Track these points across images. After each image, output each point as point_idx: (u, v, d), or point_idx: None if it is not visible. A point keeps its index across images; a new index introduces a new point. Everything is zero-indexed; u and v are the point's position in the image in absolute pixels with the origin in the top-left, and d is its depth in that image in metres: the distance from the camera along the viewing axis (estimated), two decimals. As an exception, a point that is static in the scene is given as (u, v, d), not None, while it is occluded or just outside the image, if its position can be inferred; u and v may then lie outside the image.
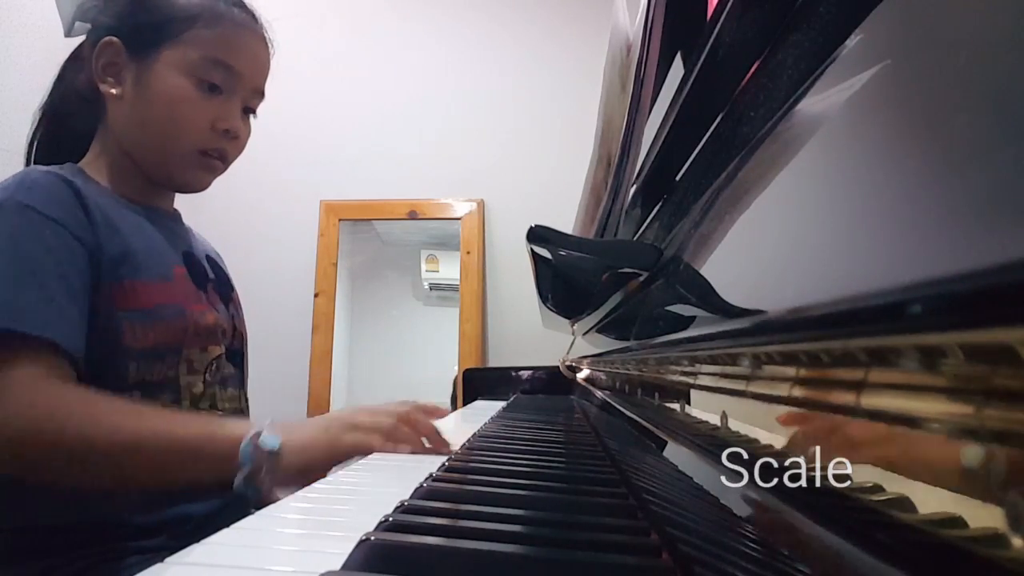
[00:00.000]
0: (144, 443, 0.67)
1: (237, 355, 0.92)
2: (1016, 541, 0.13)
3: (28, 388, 0.66)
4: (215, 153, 0.87)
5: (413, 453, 0.68)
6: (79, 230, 0.74)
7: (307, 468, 0.66)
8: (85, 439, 0.66)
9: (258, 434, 0.66)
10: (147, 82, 0.83)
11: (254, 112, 0.92)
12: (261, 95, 0.91)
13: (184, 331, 0.81)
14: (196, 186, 0.89)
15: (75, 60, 0.90)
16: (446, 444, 0.72)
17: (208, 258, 0.95)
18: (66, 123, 0.90)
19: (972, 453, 0.15)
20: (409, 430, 0.70)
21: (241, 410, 0.91)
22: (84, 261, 0.74)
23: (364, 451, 0.67)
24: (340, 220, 2.13)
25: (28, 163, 0.89)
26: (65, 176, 0.78)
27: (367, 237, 2.23)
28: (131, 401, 0.75)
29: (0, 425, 0.64)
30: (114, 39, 0.84)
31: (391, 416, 0.71)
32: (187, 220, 1.00)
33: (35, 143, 0.91)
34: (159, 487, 0.74)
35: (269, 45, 0.91)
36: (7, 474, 0.69)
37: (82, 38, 0.89)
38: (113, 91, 0.84)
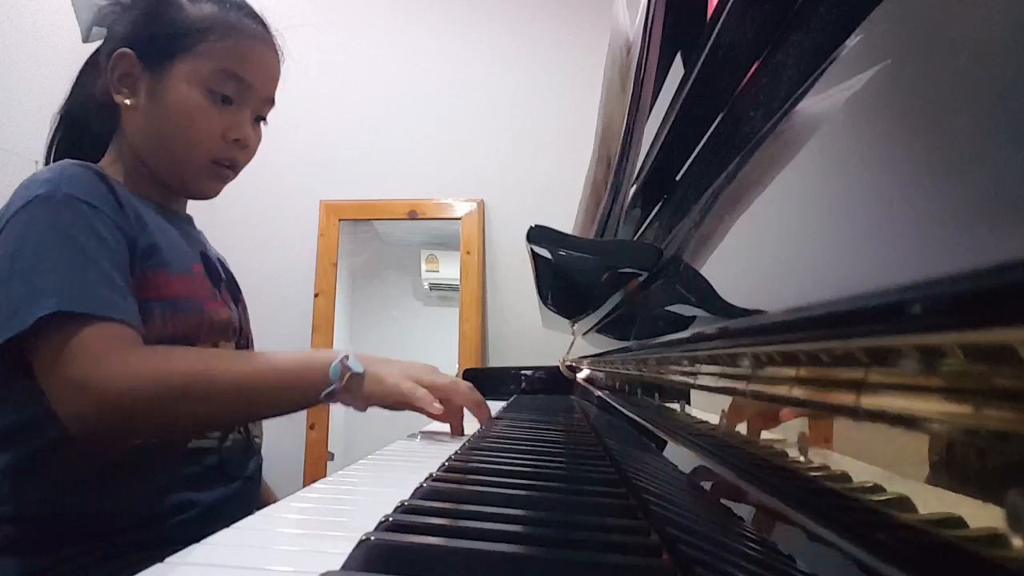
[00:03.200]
0: (253, 379, 0.76)
1: None
2: (1016, 541, 0.13)
3: (113, 354, 0.70)
4: (226, 162, 0.89)
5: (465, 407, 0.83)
6: (120, 221, 0.77)
7: (375, 397, 0.78)
8: (190, 386, 0.72)
9: (346, 357, 0.77)
10: (160, 94, 0.85)
11: (264, 119, 0.93)
12: (271, 103, 0.93)
13: (200, 325, 0.83)
14: (208, 194, 0.92)
15: (92, 67, 0.91)
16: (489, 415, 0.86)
17: (218, 260, 0.98)
18: (84, 127, 0.91)
19: (972, 453, 0.15)
20: (466, 393, 0.83)
21: None
22: (127, 251, 0.77)
23: (412, 405, 0.79)
24: (340, 220, 2.13)
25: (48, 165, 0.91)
26: (97, 170, 0.80)
27: (367, 237, 2.23)
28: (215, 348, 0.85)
29: (105, 385, 0.69)
30: (128, 50, 0.85)
31: (451, 379, 0.84)
32: (188, 220, 1.00)
33: (54, 146, 0.93)
34: (261, 416, 0.87)
35: (279, 54, 0.93)
36: (127, 430, 0.73)
37: (96, 43, 0.90)
38: (127, 101, 0.86)
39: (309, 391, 0.77)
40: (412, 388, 0.78)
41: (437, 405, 0.79)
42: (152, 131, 0.86)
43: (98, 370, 0.69)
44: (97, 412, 0.69)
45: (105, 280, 0.73)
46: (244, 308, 0.98)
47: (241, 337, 0.93)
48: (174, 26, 0.85)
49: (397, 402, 0.78)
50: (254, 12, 0.90)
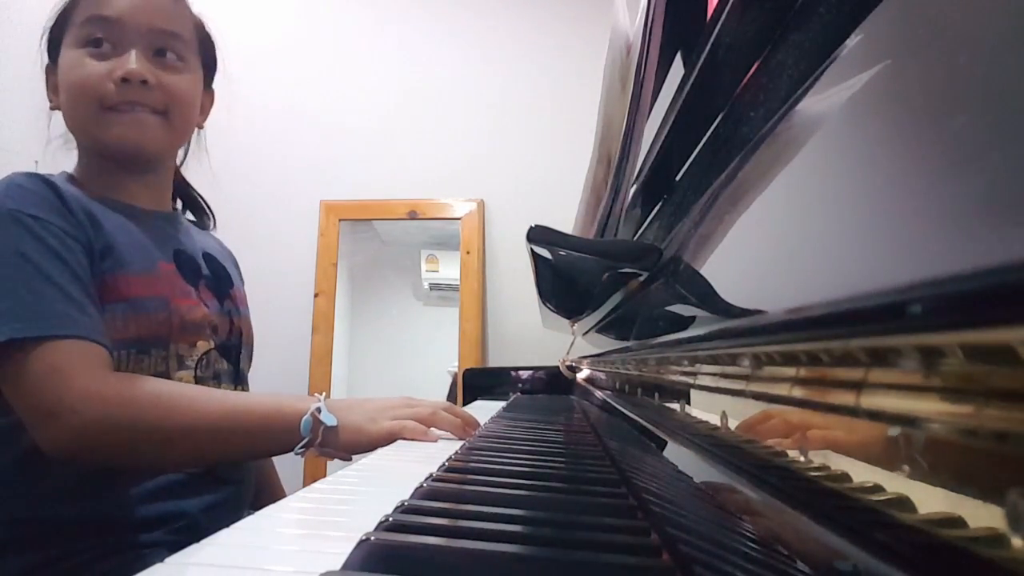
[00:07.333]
0: (222, 423, 0.73)
1: (232, 350, 0.92)
2: (1016, 541, 0.13)
3: (85, 377, 0.69)
4: (125, 105, 0.83)
5: (452, 434, 0.77)
6: (71, 228, 0.76)
7: (361, 447, 0.75)
8: (161, 423, 0.71)
9: (318, 410, 0.74)
10: (60, 78, 0.86)
11: (177, 55, 0.88)
12: (164, 34, 0.87)
13: (169, 324, 0.81)
14: (131, 142, 0.85)
15: None
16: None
17: (206, 255, 0.94)
18: None
19: (972, 453, 0.15)
20: (450, 416, 0.78)
21: None
22: (84, 257, 0.76)
23: (401, 436, 0.74)
24: (340, 220, 2.13)
25: None
26: (45, 177, 0.79)
27: (367, 237, 2.23)
28: (189, 384, 0.81)
29: (77, 413, 0.68)
30: (48, 64, 0.88)
31: (430, 406, 0.79)
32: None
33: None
34: (232, 458, 0.83)
35: None
36: (100, 458, 0.72)
37: None
38: (57, 104, 0.88)
39: (282, 439, 0.74)
40: (400, 424, 0.75)
41: (432, 431, 0.75)
42: (66, 113, 0.87)
43: (67, 396, 0.68)
44: (69, 439, 0.69)
45: (62, 296, 0.71)
46: (237, 304, 0.96)
47: (230, 334, 0.91)
48: (55, 17, 0.87)
49: (387, 442, 0.75)
50: None
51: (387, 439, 0.74)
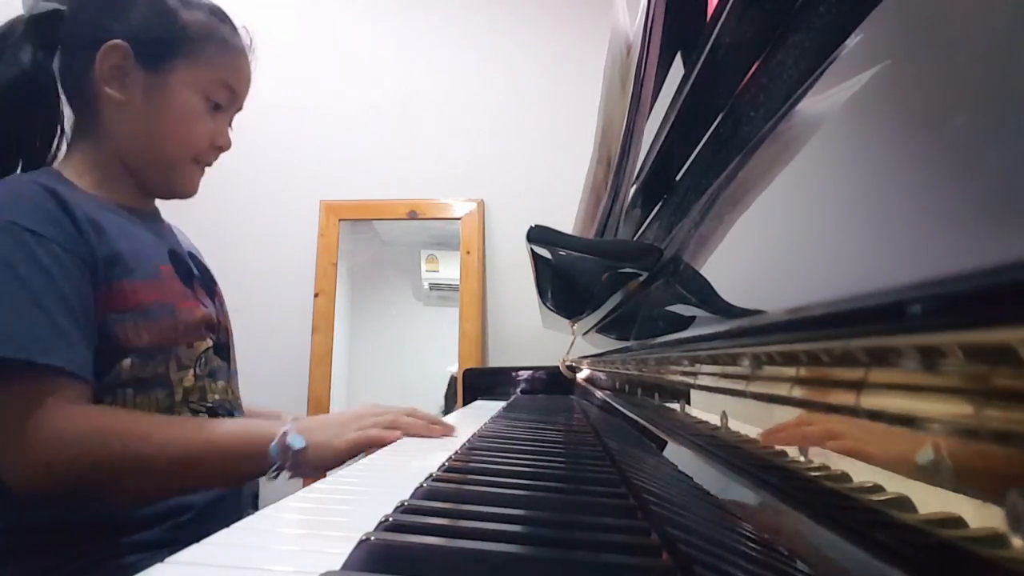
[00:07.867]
0: (191, 453, 0.73)
1: (224, 348, 0.92)
2: (1016, 541, 0.13)
3: (56, 414, 0.68)
4: (205, 163, 0.93)
5: (417, 436, 0.76)
6: (70, 242, 0.74)
7: (329, 463, 0.75)
8: (134, 456, 0.71)
9: (285, 434, 0.73)
10: (160, 94, 0.85)
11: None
12: (240, 110, 0.97)
13: (175, 329, 0.82)
14: (192, 192, 0.94)
15: (14, 42, 0.84)
16: (451, 428, 0.80)
17: (190, 255, 0.96)
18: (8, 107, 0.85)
19: (971, 453, 0.15)
20: (413, 419, 0.78)
21: (230, 400, 0.92)
22: (79, 273, 0.74)
23: (368, 443, 0.75)
24: (340, 220, 2.13)
25: None
26: (46, 184, 0.77)
27: (367, 237, 2.23)
28: (160, 414, 0.80)
29: (39, 452, 0.67)
30: (123, 43, 0.83)
31: (394, 412, 0.79)
32: (186, 220, 1.00)
33: None
34: (207, 486, 0.82)
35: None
36: (69, 495, 0.72)
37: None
38: (118, 96, 0.84)
39: (252, 466, 0.74)
40: (363, 434, 0.75)
41: (394, 433, 0.75)
42: (145, 130, 0.86)
43: (39, 434, 0.67)
44: (38, 479, 0.68)
45: (46, 320, 0.69)
46: (222, 301, 0.97)
47: (220, 332, 0.91)
48: (177, 30, 0.85)
49: (355, 453, 0.74)
50: (237, 26, 0.93)
51: (353, 451, 0.74)
